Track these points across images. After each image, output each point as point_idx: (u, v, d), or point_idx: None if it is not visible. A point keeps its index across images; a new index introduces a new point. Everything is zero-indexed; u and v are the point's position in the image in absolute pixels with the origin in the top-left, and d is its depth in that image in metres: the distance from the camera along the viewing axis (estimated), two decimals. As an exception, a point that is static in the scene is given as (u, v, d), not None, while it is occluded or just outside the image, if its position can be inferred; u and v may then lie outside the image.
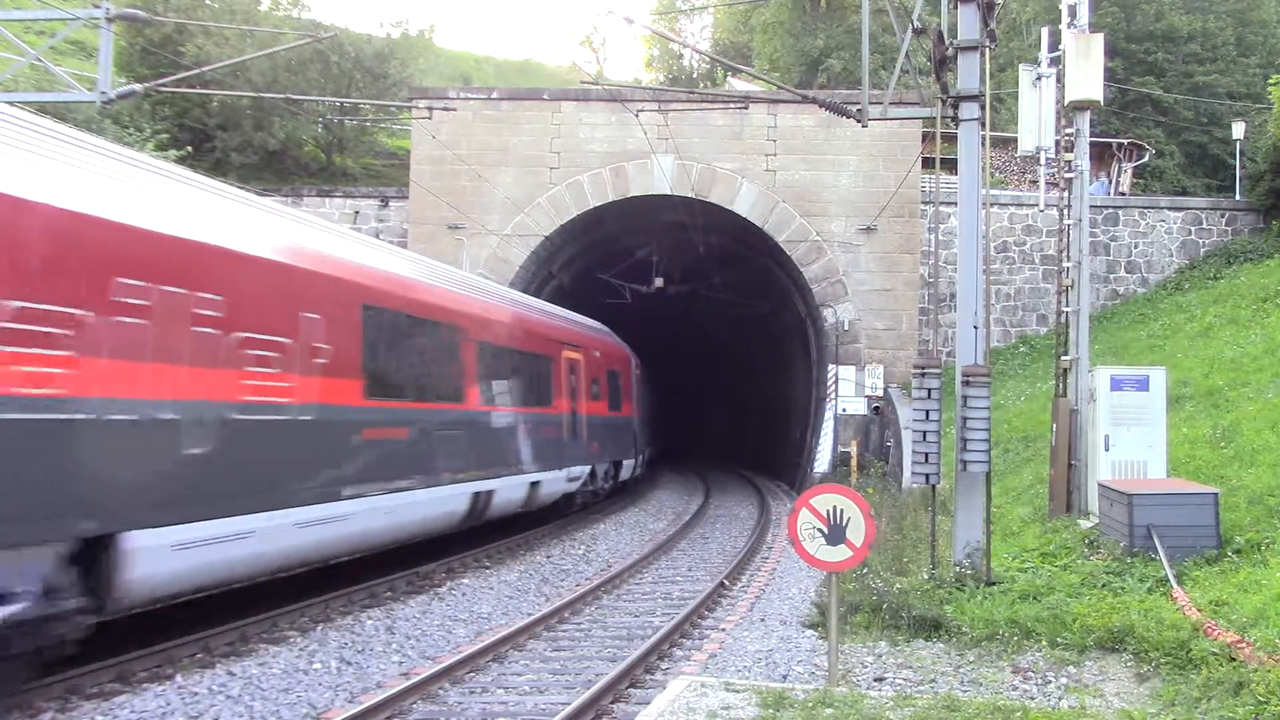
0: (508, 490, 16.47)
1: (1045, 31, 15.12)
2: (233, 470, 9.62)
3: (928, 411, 11.20)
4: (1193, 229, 28.80)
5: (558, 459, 19.10)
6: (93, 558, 8.12)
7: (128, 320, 8.39)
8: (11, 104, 9.01)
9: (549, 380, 19.03)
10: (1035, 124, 13.94)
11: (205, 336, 9.30)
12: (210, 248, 9.49)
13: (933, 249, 19.36)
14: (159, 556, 8.63)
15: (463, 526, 15.39)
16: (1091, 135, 14.62)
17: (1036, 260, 28.42)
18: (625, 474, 25.02)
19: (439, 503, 14.01)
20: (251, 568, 10.37)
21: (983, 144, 11.68)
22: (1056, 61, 14.03)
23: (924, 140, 25.17)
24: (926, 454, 11.24)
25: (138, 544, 8.40)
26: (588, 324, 23.47)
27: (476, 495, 15.17)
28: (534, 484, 17.70)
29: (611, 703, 8.34)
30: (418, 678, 8.70)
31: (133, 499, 8.46)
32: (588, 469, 21.08)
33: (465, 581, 13.82)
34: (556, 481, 19.00)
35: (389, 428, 12.73)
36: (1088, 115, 14.08)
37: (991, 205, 23.85)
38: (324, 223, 13.28)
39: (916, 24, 12.45)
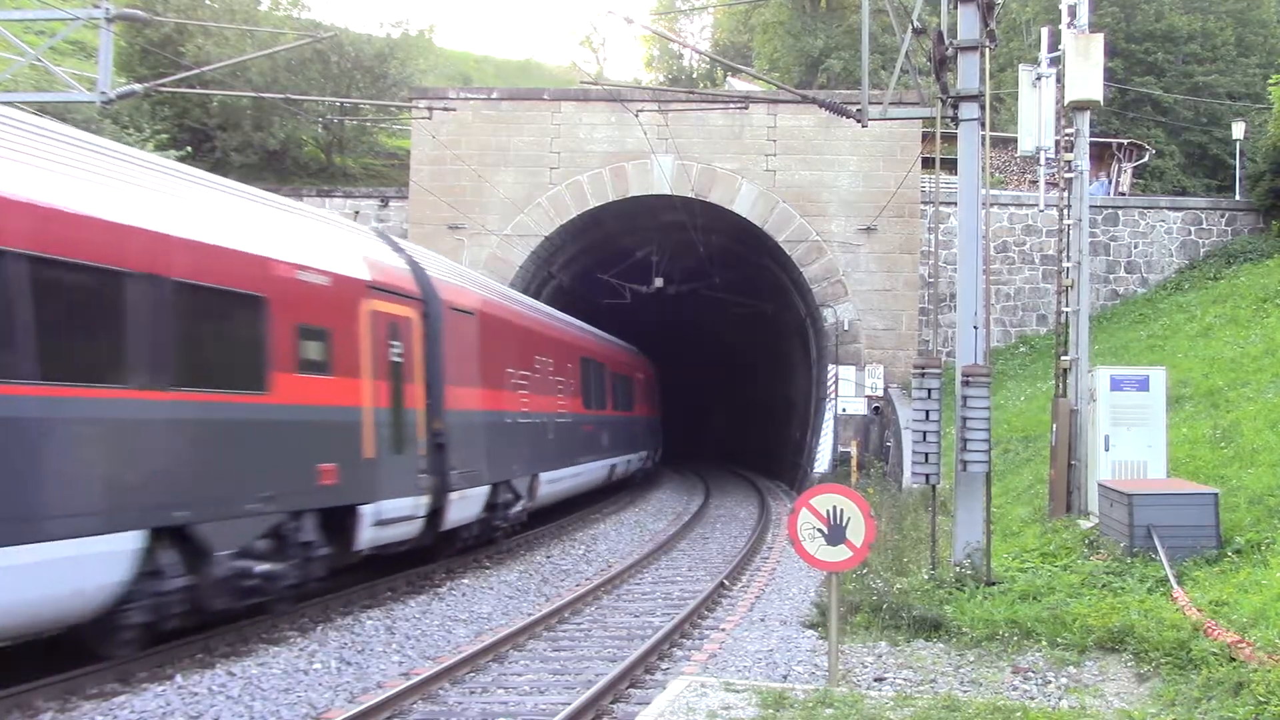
0: (620, 465, 25.95)
1: (1045, 31, 15.11)
2: (555, 447, 19.23)
3: (928, 411, 11.20)
4: (1193, 229, 28.80)
5: (635, 445, 28.37)
6: (530, 483, 17.45)
7: (534, 375, 18.12)
8: (11, 104, 9.01)
9: (631, 392, 28.92)
10: (1035, 124, 13.93)
11: (548, 380, 19.13)
12: (544, 335, 19.38)
13: (933, 249, 19.36)
14: (545, 485, 18.30)
15: (603, 485, 24.61)
16: (1091, 135, 14.60)
17: (1036, 260, 28.42)
18: (657, 457, 34.00)
19: (601, 470, 23.78)
20: (558, 498, 19.92)
21: (983, 144, 11.68)
22: (1056, 61, 14.02)
23: (924, 140, 25.17)
24: (926, 454, 11.24)
25: (543, 478, 18.11)
26: (631, 349, 31.09)
27: (611, 466, 24.73)
28: (628, 460, 27.03)
29: (611, 703, 8.34)
30: (418, 678, 8.70)
31: (539, 458, 18.16)
32: (645, 453, 30.34)
33: (465, 581, 13.82)
34: (635, 461, 28.33)
35: (588, 425, 22.47)
36: (1088, 115, 14.06)
37: (991, 205, 23.83)
38: (554, 310, 22.88)
39: (916, 24, 12.44)
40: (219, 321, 9.65)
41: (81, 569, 7.85)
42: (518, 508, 16.67)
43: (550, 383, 19.18)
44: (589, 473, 22.28)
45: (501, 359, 16.30)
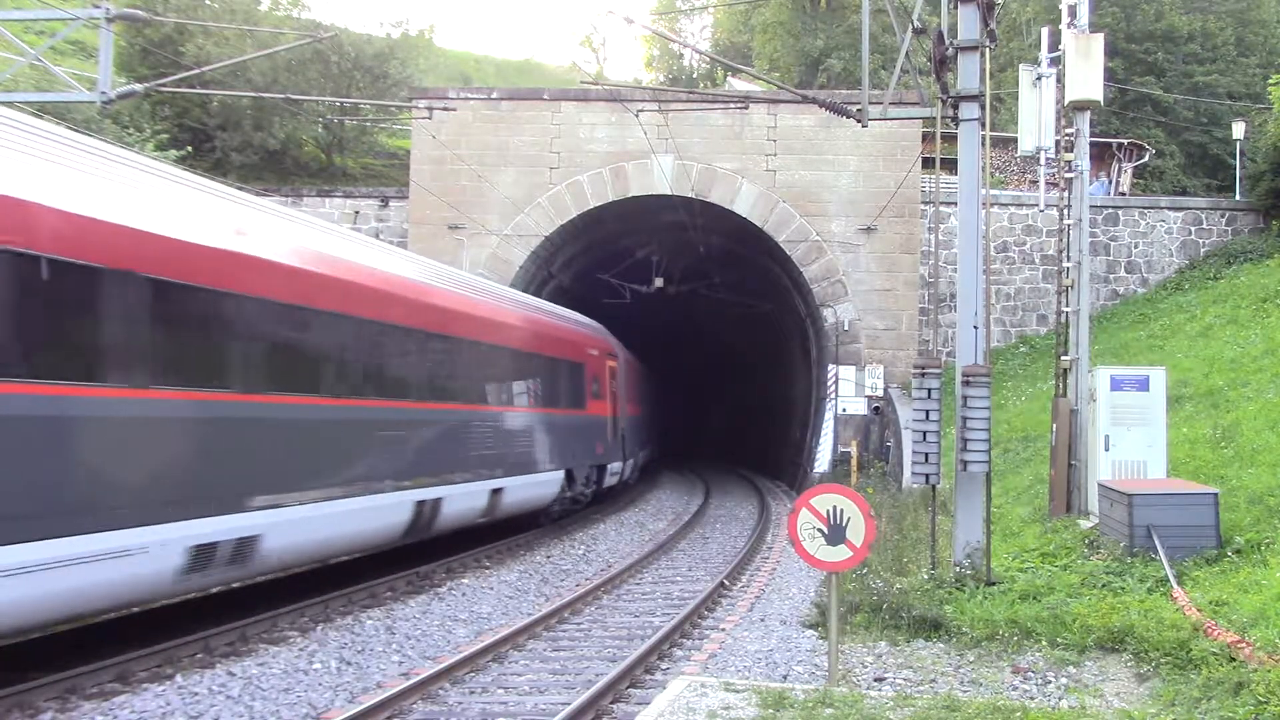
0: (651, 450, 34.03)
1: (1045, 31, 15.10)
2: (638, 437, 27.90)
3: (928, 411, 11.19)
4: (1193, 229, 28.80)
5: (655, 438, 35.96)
6: (638, 459, 28.12)
7: (632, 391, 27.12)
8: (11, 104, 9.01)
9: (654, 397, 36.07)
10: (1035, 124, 13.92)
11: (635, 394, 27.85)
12: (634, 367, 28.39)
13: (933, 249, 19.36)
14: (632, 464, 26.53)
15: (646, 462, 32.66)
16: (1091, 135, 14.60)
17: (1036, 260, 28.42)
18: (654, 454, 40.84)
19: (647, 453, 31.94)
20: (639, 468, 29.39)
21: (983, 144, 11.67)
22: (1056, 61, 14.02)
23: (924, 140, 25.16)
24: (926, 454, 11.23)
25: (633, 458, 26.58)
26: (640, 360, 35.59)
27: (650, 449, 32.97)
28: (651, 448, 34.39)
29: (611, 703, 8.33)
30: (418, 678, 8.69)
31: (635, 445, 26.91)
32: (649, 449, 36.73)
33: (465, 581, 13.82)
34: (654, 448, 36.05)
35: (644, 423, 30.52)
36: (1088, 115, 14.07)
37: (991, 205, 23.82)
38: (623, 345, 28.27)
39: (916, 24, 12.44)
40: (580, 375, 20.45)
41: (551, 484, 18.44)
42: (636, 473, 27.98)
43: (635, 395, 28.17)
44: (646, 454, 32.02)
45: (630, 385, 26.53)
